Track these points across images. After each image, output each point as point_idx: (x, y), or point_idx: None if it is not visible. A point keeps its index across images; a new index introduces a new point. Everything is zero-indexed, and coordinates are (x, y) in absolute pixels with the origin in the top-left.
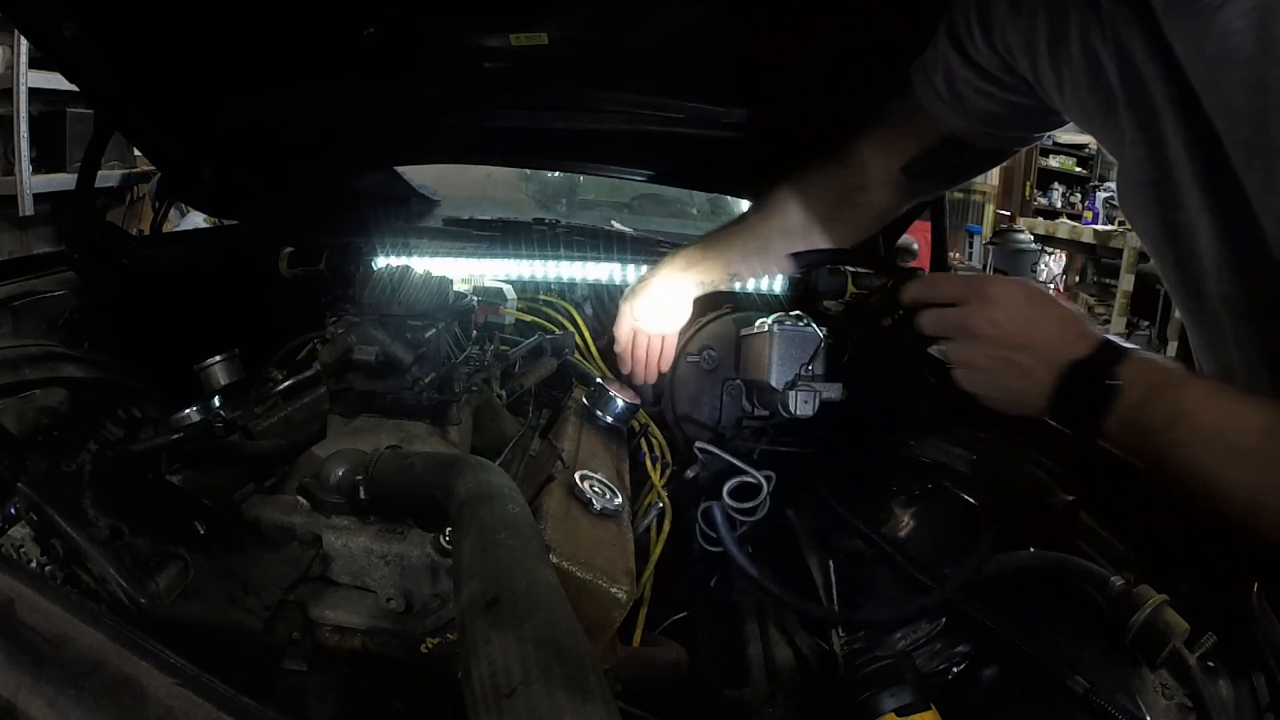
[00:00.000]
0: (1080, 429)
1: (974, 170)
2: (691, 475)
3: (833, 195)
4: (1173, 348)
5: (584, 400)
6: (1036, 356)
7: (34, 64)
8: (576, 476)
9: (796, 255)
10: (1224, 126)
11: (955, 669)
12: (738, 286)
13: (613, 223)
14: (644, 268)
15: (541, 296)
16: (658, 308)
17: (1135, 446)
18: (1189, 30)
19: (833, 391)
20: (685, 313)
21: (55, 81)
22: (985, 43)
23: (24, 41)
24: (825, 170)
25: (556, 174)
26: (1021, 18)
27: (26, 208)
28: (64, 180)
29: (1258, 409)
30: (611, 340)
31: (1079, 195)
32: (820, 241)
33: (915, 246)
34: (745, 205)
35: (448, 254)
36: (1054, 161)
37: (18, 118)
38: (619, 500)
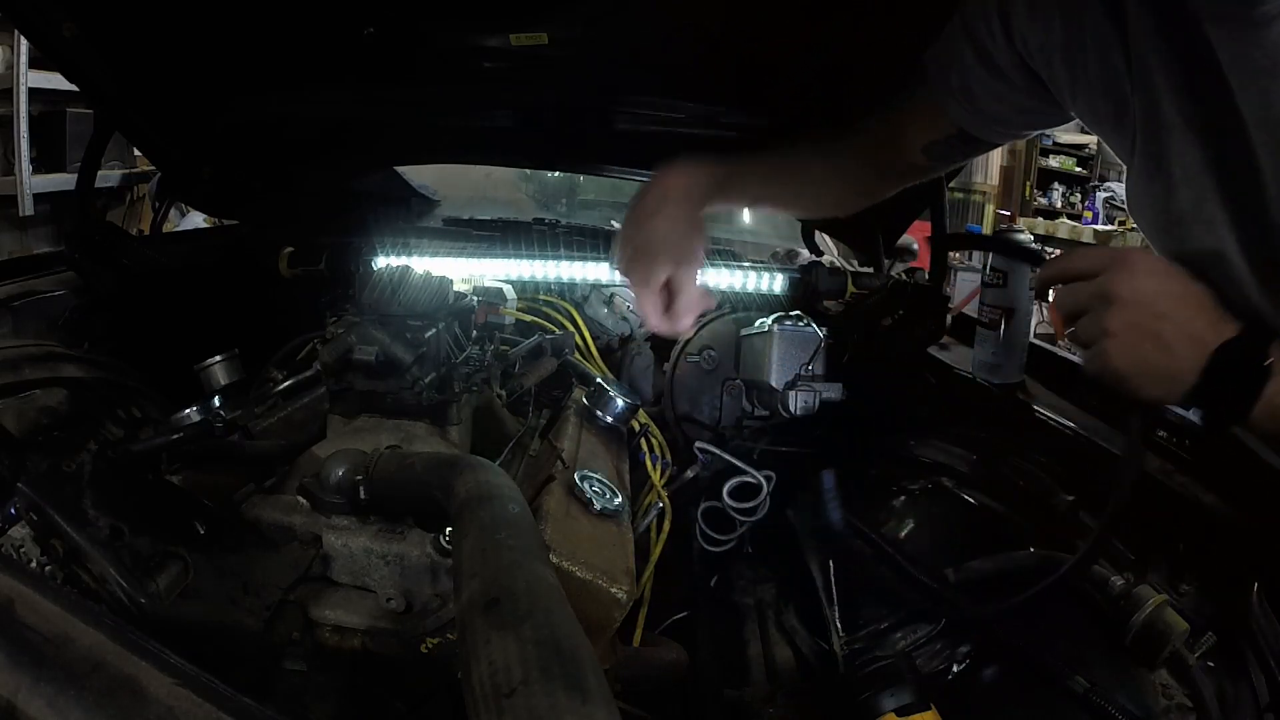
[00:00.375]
0: (1225, 414)
1: (985, 149)
2: (691, 475)
3: (867, 159)
4: None
5: (584, 400)
6: (1181, 332)
7: (34, 64)
8: (576, 476)
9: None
10: (1263, 140)
11: (955, 668)
12: (737, 286)
13: (613, 223)
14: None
15: (541, 296)
16: (689, 236)
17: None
18: (1237, 38)
19: (833, 391)
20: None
21: (55, 81)
22: (1005, 40)
23: (24, 41)
24: (869, 133)
25: (556, 174)
26: (1039, 19)
27: (26, 208)
28: (64, 180)
29: None
30: (608, 334)
31: (1079, 195)
32: (835, 199)
33: (915, 246)
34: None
35: (448, 254)
36: (1054, 161)
37: (18, 118)
38: (619, 500)
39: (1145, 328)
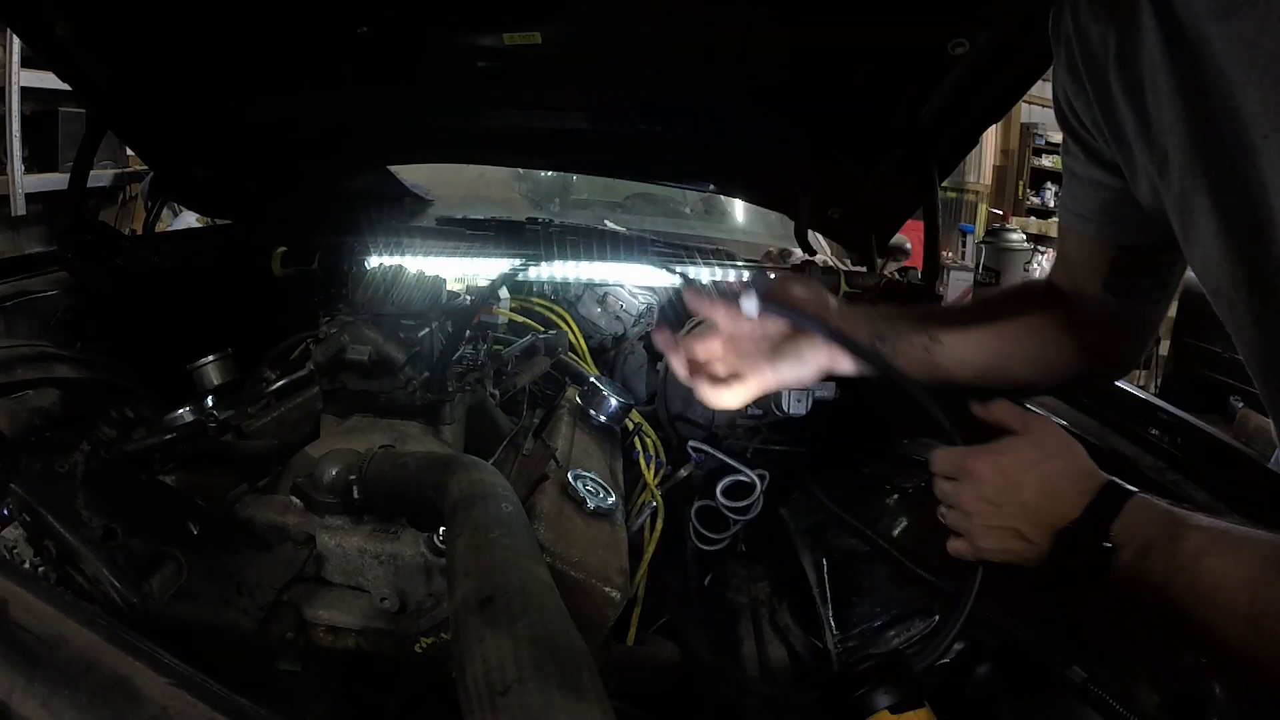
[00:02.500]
0: (1084, 588)
1: (1161, 261)
2: (685, 474)
3: (1032, 331)
4: (1165, 345)
5: (577, 399)
6: (1033, 522)
7: (26, 63)
8: (570, 476)
9: None
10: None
11: (950, 664)
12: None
13: (605, 222)
14: (636, 266)
15: (534, 300)
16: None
17: (1139, 599)
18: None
19: (826, 390)
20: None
21: (48, 80)
22: (1077, 123)
23: (16, 40)
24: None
25: (550, 173)
26: (1075, 81)
27: (19, 207)
28: (56, 180)
29: (1255, 558)
30: (601, 333)
31: None
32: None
33: (908, 246)
34: (739, 205)
35: (441, 253)
36: (1047, 161)
37: (10, 117)
38: (612, 499)
39: (999, 528)
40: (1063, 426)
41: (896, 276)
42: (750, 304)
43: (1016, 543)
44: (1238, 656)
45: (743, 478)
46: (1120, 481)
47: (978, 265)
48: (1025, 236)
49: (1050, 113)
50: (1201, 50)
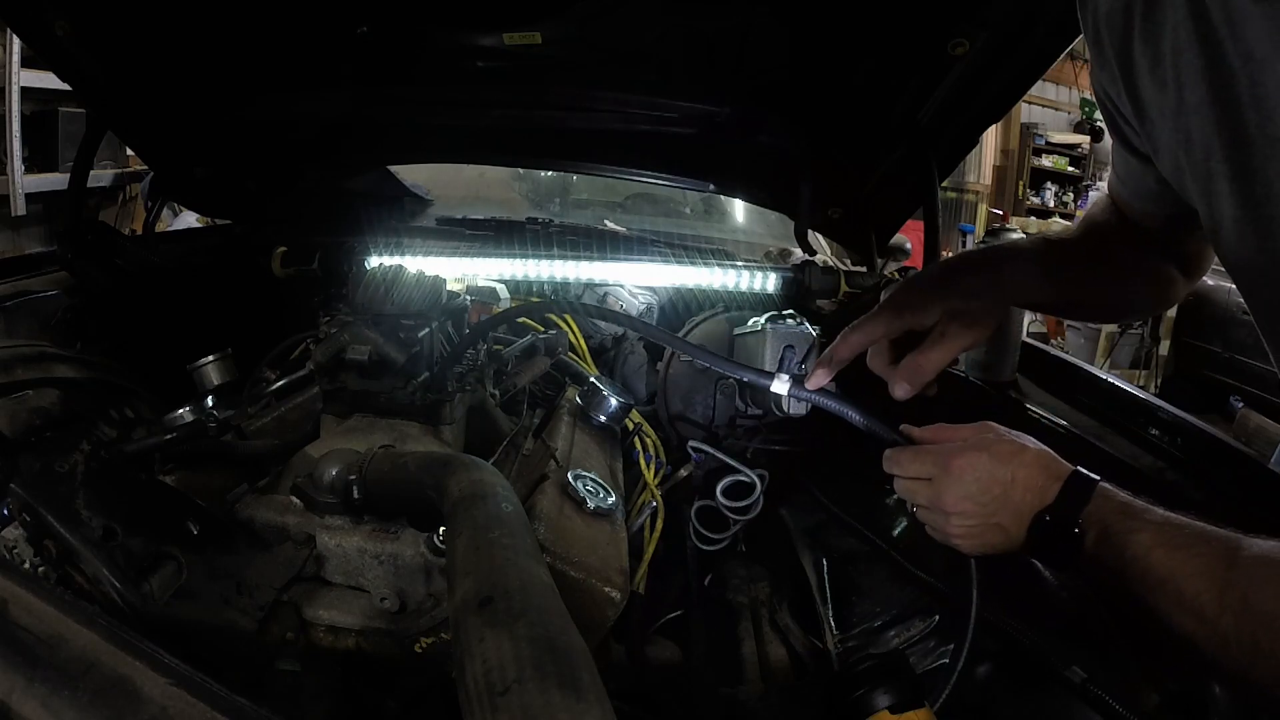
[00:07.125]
0: (1056, 568)
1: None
2: (685, 474)
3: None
4: (1165, 345)
5: (577, 399)
6: (1015, 514)
7: (26, 63)
8: (570, 476)
9: None
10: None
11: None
12: (730, 285)
13: (605, 222)
14: (636, 266)
15: (534, 300)
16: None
17: (1102, 583)
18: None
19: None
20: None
21: (48, 80)
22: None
23: (16, 40)
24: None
25: (549, 173)
26: (1104, 70)
27: (19, 207)
28: (56, 180)
29: (1203, 556)
30: (601, 333)
31: (1072, 194)
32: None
33: (908, 245)
34: (739, 205)
35: (441, 253)
36: (1047, 161)
37: (10, 117)
38: (612, 499)
39: (979, 525)
40: (1061, 427)
41: (896, 276)
42: (782, 385)
43: (996, 536)
44: (1186, 644)
45: (743, 478)
46: (1082, 469)
47: None
48: (1025, 237)
49: (1050, 113)
50: (1232, 31)
